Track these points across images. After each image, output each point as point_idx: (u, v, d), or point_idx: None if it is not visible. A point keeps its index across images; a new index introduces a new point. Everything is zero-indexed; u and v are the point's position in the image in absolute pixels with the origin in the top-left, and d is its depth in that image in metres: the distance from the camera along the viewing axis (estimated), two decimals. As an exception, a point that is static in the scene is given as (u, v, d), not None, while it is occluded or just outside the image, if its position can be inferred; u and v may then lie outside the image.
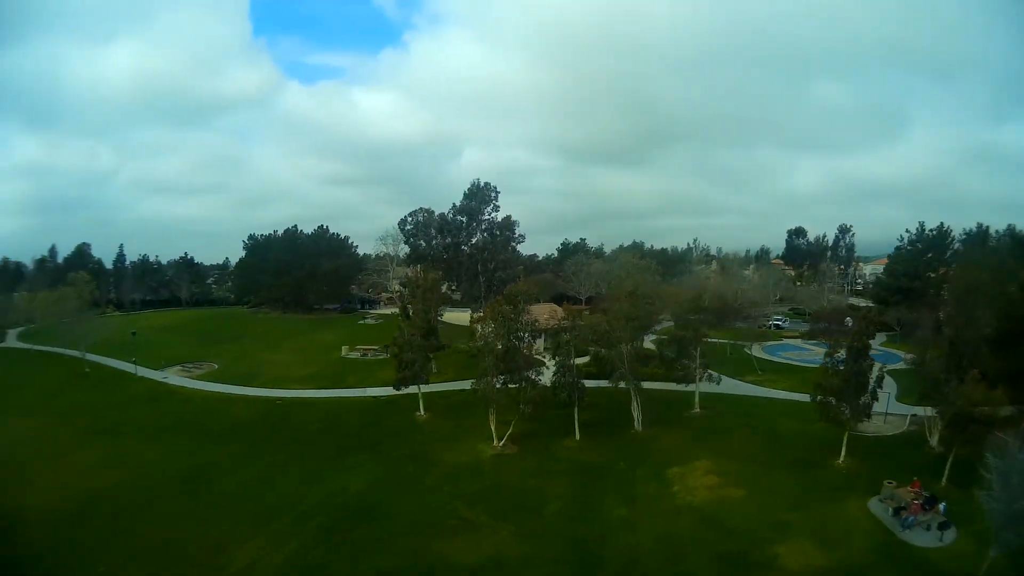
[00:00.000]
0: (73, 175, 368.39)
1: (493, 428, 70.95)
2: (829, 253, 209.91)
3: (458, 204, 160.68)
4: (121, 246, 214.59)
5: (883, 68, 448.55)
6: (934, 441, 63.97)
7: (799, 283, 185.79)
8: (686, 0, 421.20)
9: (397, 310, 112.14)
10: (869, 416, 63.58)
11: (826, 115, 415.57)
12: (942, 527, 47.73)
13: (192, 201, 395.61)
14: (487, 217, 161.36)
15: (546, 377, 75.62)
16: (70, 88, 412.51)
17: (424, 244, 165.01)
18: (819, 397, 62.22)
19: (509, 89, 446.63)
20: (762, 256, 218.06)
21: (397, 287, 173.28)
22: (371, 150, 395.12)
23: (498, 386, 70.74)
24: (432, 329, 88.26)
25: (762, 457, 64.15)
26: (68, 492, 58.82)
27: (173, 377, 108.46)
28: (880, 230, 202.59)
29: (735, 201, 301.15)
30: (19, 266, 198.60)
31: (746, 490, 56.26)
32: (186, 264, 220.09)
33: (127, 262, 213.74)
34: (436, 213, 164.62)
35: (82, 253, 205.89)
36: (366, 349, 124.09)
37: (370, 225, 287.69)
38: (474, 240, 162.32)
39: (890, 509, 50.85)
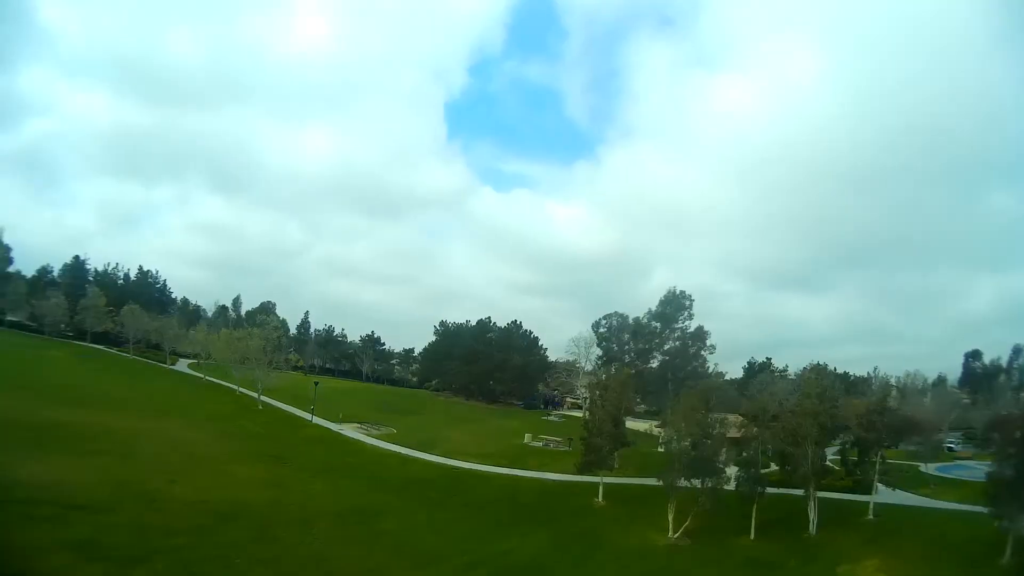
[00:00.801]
0: (259, 242, 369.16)
1: (671, 518, 68.03)
2: (1003, 376, 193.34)
3: (653, 310, 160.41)
4: (307, 313, 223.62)
5: None
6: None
7: (974, 406, 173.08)
8: (863, 117, 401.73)
9: (581, 413, 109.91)
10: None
11: (1002, 228, 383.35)
12: None
13: (379, 288, 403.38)
14: (680, 325, 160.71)
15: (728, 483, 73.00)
16: (262, 160, 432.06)
17: (616, 348, 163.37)
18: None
19: (696, 205, 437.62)
20: (939, 383, 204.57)
21: (586, 387, 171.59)
22: (558, 261, 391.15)
23: (682, 481, 68.74)
24: (620, 422, 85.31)
25: (932, 556, 60.38)
26: (224, 495, 59.38)
27: (349, 430, 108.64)
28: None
29: (910, 329, 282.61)
30: (198, 308, 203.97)
31: None
32: (371, 340, 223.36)
33: (311, 329, 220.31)
34: (630, 318, 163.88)
35: (267, 310, 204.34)
36: (549, 440, 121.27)
37: (552, 335, 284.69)
38: (666, 347, 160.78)
39: None
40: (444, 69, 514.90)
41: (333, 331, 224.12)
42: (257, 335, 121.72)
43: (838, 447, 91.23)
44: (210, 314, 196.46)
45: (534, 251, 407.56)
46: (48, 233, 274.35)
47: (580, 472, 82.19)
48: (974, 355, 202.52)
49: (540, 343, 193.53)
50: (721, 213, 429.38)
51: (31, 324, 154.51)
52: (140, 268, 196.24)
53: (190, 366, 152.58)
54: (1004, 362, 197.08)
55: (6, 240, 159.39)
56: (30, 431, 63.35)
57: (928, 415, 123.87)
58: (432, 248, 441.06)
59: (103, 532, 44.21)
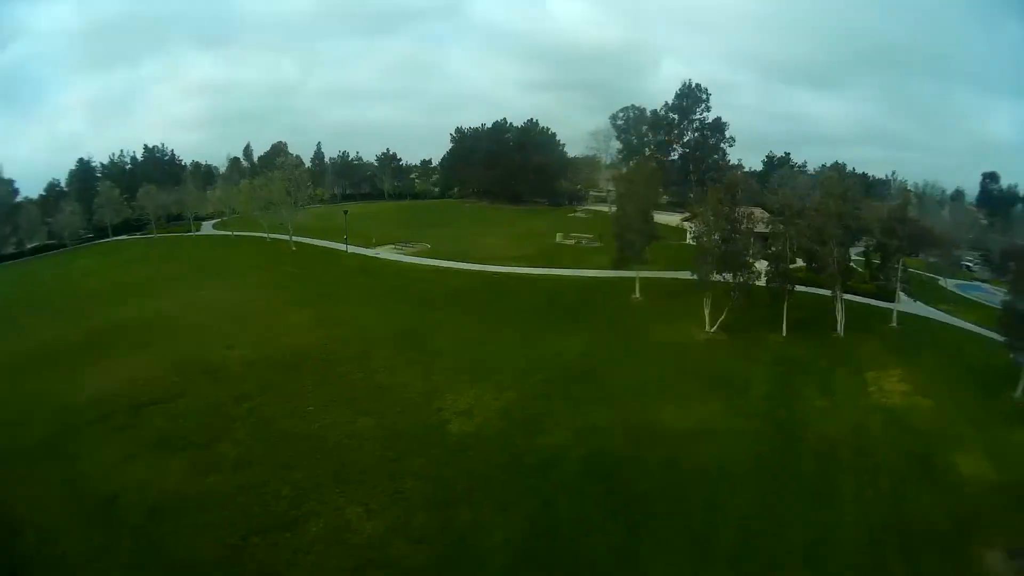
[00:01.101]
0: (257, 88, 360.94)
1: (706, 314, 71.12)
2: (1020, 204, 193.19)
3: (670, 103, 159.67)
4: (319, 144, 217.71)
5: None
6: None
7: (991, 228, 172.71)
8: None
9: (606, 207, 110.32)
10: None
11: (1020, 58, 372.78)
12: None
13: (385, 105, 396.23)
14: (698, 117, 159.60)
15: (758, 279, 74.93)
16: (247, 6, 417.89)
17: (635, 140, 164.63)
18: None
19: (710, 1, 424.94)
20: (957, 197, 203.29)
21: (609, 180, 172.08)
22: (567, 56, 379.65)
23: (715, 275, 70.92)
24: (649, 216, 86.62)
25: (950, 376, 62.40)
26: (282, 346, 63.09)
27: (385, 253, 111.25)
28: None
29: (926, 138, 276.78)
30: (210, 167, 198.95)
31: (934, 401, 55.81)
32: (388, 158, 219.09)
33: (326, 158, 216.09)
34: (647, 111, 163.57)
35: (278, 151, 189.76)
36: (580, 237, 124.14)
37: (568, 131, 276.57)
38: (685, 139, 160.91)
39: None
40: None
41: (348, 156, 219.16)
42: (279, 178, 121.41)
43: (861, 249, 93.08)
44: (223, 171, 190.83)
45: (540, 48, 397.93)
46: (48, 150, 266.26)
47: (615, 267, 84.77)
48: (991, 177, 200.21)
49: (558, 139, 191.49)
50: (740, 9, 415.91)
51: (53, 243, 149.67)
52: (145, 146, 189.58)
53: (215, 226, 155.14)
54: (1022, 190, 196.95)
55: (6, 175, 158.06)
56: (84, 347, 65.62)
57: (947, 228, 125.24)
58: (434, 58, 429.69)
59: (177, 422, 48.01)
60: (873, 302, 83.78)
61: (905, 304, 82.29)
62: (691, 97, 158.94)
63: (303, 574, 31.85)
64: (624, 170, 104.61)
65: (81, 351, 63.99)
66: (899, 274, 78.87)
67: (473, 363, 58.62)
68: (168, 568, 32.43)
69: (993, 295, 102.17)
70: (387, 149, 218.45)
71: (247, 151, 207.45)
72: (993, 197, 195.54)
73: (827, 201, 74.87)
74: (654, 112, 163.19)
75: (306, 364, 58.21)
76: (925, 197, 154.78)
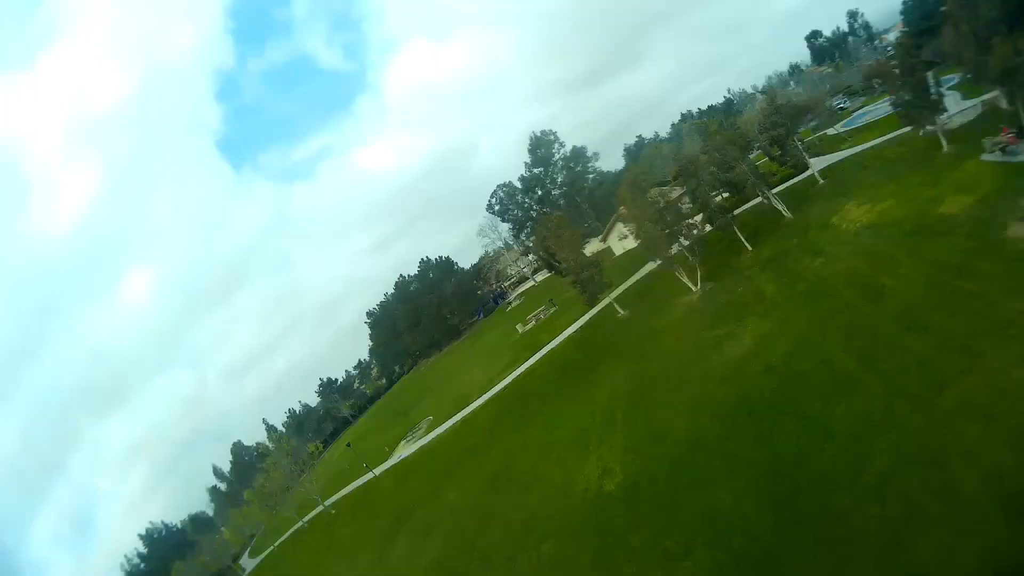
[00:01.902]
0: None
1: (686, 278, 77.62)
2: (850, 37, 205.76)
3: (528, 162, 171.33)
4: None
5: None
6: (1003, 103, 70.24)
7: (840, 71, 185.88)
8: None
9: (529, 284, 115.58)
10: (940, 110, 72.03)
11: None
12: None
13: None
14: (558, 157, 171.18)
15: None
16: None
17: (517, 211, 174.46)
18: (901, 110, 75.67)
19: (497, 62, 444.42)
20: (795, 71, 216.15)
21: (515, 262, 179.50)
22: (395, 200, 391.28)
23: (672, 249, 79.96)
24: (580, 251, 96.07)
25: (892, 182, 69.76)
26: None
27: (405, 451, 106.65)
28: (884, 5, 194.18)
29: (739, 45, 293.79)
30: None
31: (893, 201, 63.61)
32: (328, 385, 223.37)
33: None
34: (512, 182, 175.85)
35: None
36: (534, 316, 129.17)
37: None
38: (560, 180, 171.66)
39: (997, 151, 58.89)
40: (196, 112, 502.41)
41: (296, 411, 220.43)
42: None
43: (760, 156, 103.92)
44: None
45: (371, 204, 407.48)
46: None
47: (591, 305, 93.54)
48: (814, 35, 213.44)
49: (454, 266, 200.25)
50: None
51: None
52: None
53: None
54: (845, 27, 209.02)
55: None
56: None
57: (808, 96, 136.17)
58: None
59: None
60: (794, 182, 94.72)
61: (817, 165, 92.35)
62: (543, 144, 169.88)
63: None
64: (541, 234, 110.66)
65: None
66: (799, 148, 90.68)
67: (570, 450, 60.00)
68: None
69: (874, 111, 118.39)
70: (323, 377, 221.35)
71: None
72: (824, 50, 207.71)
73: (712, 139, 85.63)
74: (522, 177, 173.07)
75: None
76: (774, 88, 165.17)
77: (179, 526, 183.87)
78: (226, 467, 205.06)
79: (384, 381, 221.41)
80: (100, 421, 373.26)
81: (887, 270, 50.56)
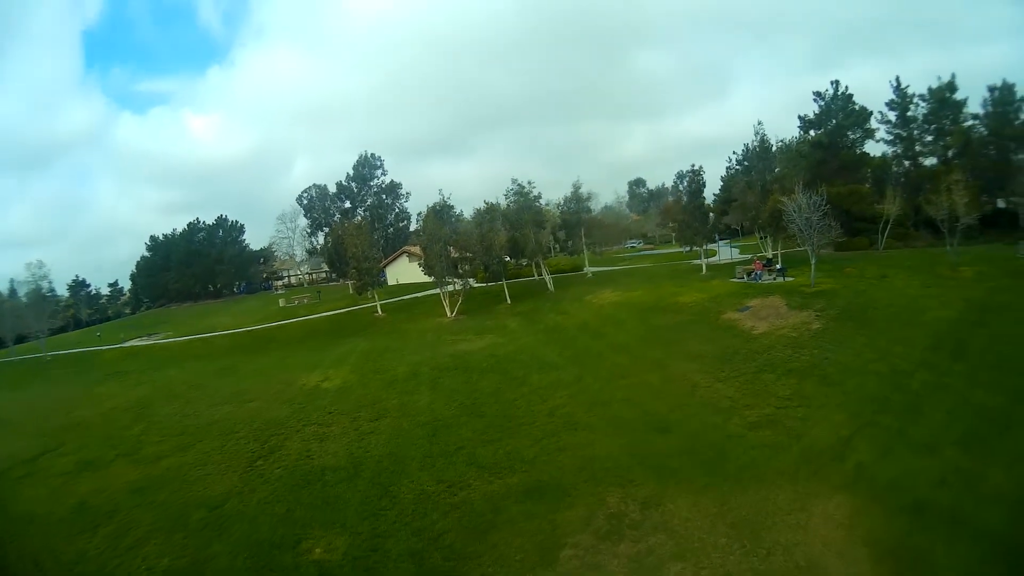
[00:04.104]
0: None
1: (446, 305, 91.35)
2: (669, 195, 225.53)
3: (350, 174, 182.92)
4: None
5: (700, 32, 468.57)
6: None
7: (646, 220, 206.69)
8: None
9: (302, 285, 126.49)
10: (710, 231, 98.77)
11: (649, 83, 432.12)
12: (780, 273, 73.71)
13: (40, 249, 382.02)
14: (376, 182, 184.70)
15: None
16: None
17: (321, 213, 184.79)
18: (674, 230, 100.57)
19: (332, 96, 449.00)
20: (609, 208, 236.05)
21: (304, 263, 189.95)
22: (203, 173, 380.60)
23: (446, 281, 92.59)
24: (372, 254, 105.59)
25: (648, 284, 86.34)
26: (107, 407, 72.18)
27: (138, 343, 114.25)
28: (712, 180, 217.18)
29: (569, 177, 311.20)
30: None
31: (643, 292, 79.48)
32: (78, 285, 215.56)
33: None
34: (328, 187, 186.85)
35: None
36: (298, 298, 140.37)
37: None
38: (368, 203, 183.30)
39: (744, 276, 76.41)
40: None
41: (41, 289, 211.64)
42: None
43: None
44: None
45: (178, 168, 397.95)
46: None
47: (359, 292, 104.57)
48: (637, 183, 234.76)
49: (244, 233, 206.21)
50: (363, 98, 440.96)
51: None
52: None
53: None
54: (669, 185, 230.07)
55: None
56: None
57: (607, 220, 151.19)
58: (82, 192, 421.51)
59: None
60: (568, 274, 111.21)
61: (593, 270, 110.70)
62: (368, 165, 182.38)
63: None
64: (339, 230, 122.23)
65: None
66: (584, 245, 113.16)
67: (280, 379, 65.36)
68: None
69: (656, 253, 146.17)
70: (77, 276, 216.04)
71: None
72: (642, 198, 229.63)
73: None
74: (339, 183, 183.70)
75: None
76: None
77: None
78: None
79: (129, 309, 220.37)
80: None
81: (614, 325, 66.06)
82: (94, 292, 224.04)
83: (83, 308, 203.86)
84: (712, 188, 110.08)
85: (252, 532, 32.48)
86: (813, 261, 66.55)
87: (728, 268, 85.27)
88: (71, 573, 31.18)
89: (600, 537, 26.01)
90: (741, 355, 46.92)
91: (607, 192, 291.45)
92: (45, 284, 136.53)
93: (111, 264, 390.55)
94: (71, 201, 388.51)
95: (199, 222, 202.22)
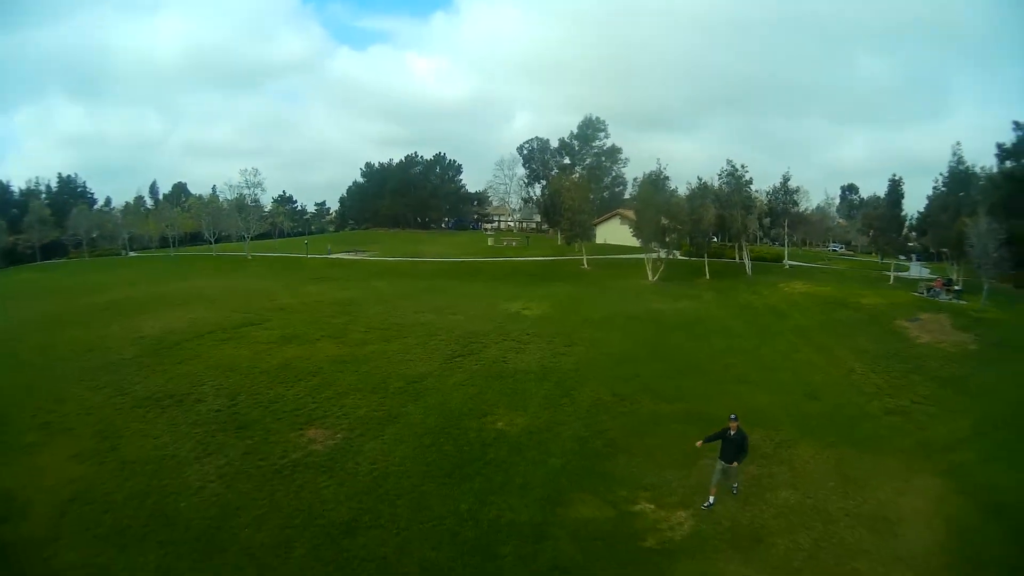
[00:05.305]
0: (124, 142, 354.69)
1: (649, 268, 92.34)
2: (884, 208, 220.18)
3: (574, 132, 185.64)
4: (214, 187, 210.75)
5: (924, 46, 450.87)
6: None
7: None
8: None
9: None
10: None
11: (871, 89, 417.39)
12: (956, 294, 72.92)
13: (244, 162, 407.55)
14: (597, 144, 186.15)
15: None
16: (118, 58, 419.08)
17: (540, 167, 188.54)
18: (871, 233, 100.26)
19: (558, 55, 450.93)
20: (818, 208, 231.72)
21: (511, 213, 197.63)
22: (422, 113, 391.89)
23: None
24: (587, 207, 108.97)
25: (838, 282, 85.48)
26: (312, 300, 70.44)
27: (344, 256, 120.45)
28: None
29: (783, 168, 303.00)
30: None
31: (831, 288, 78.32)
32: (285, 199, 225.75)
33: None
34: (550, 141, 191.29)
35: (180, 189, 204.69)
36: (509, 240, 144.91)
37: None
38: (587, 162, 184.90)
39: (924, 292, 74.80)
40: None
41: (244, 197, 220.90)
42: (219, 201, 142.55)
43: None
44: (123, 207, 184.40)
45: (396, 105, 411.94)
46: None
47: (568, 242, 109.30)
48: (850, 188, 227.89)
49: (461, 172, 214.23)
50: (586, 62, 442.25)
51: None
52: (59, 175, 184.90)
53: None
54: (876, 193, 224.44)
55: None
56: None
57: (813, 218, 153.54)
58: (292, 116, 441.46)
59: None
60: (766, 262, 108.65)
61: (792, 262, 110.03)
62: (592, 127, 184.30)
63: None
64: (559, 181, 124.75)
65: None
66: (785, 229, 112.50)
67: (486, 303, 68.81)
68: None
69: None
70: (283, 191, 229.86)
71: (153, 188, 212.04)
72: (854, 204, 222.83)
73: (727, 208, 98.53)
74: (561, 139, 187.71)
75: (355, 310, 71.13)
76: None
77: None
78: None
79: (334, 228, 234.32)
80: None
81: (799, 311, 66.79)
82: (300, 207, 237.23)
83: (286, 220, 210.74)
84: (921, 206, 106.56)
85: (445, 402, 36.64)
86: (985, 288, 66.62)
87: (914, 283, 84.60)
88: (267, 410, 35.08)
89: (735, 457, 28.73)
90: (899, 356, 48.53)
91: (818, 192, 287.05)
92: (257, 192, 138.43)
93: (316, 185, 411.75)
94: (280, 122, 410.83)
95: (418, 156, 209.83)
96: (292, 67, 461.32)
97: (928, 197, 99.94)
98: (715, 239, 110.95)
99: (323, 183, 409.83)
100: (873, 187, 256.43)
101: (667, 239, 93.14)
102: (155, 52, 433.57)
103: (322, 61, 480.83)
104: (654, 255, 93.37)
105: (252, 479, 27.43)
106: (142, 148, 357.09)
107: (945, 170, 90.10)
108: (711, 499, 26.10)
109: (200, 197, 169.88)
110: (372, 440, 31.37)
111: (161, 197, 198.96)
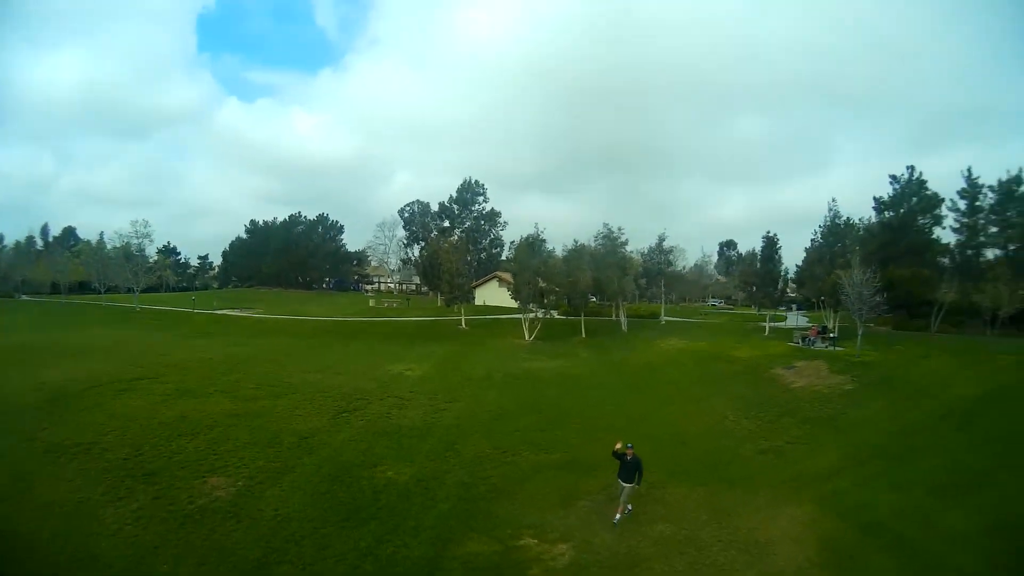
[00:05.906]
0: (14, 180, 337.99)
1: (525, 330, 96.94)
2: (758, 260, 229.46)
3: (453, 196, 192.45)
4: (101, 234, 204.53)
5: (803, 103, 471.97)
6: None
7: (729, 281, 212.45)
8: (609, 42, 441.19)
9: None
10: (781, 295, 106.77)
11: (751, 148, 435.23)
12: (831, 341, 78.24)
13: (132, 211, 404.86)
14: (476, 208, 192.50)
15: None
16: (16, 92, 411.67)
17: (420, 229, 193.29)
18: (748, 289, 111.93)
19: (440, 117, 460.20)
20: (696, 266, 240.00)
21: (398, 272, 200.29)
22: (304, 169, 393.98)
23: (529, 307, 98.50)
24: (463, 270, 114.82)
25: (714, 337, 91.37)
26: (203, 355, 73.01)
27: (230, 312, 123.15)
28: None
29: (661, 228, 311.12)
30: None
31: (707, 343, 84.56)
32: (169, 251, 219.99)
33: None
34: (430, 205, 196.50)
35: (69, 233, 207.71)
36: (390, 302, 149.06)
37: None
38: (466, 225, 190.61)
39: (800, 341, 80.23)
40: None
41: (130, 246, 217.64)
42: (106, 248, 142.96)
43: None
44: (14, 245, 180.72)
45: (279, 160, 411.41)
46: None
47: (448, 304, 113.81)
48: (728, 244, 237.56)
49: (343, 232, 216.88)
50: (464, 125, 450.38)
51: None
52: None
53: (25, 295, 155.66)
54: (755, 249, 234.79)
55: None
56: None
57: (690, 276, 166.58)
58: (179, 166, 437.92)
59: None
60: (646, 319, 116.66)
61: (669, 316, 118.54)
62: (471, 190, 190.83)
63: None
64: (436, 244, 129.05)
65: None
66: (663, 295, 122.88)
67: (365, 363, 71.88)
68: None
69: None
70: (168, 242, 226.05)
71: (44, 230, 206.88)
72: (732, 261, 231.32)
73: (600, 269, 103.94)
74: (441, 203, 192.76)
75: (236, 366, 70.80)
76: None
77: None
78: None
79: (217, 284, 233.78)
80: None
81: (673, 366, 72.42)
82: (183, 260, 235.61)
83: (171, 274, 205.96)
84: (798, 259, 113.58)
85: (336, 456, 39.77)
86: (860, 333, 70.84)
87: (790, 333, 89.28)
88: (171, 460, 37.99)
89: (611, 498, 32.07)
90: (773, 402, 52.82)
91: (695, 249, 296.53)
92: (146, 243, 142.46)
93: (199, 239, 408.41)
94: (167, 172, 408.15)
95: (301, 215, 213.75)
96: (182, 116, 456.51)
97: (806, 249, 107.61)
98: (593, 299, 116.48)
99: (207, 236, 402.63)
100: (753, 242, 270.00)
101: (545, 300, 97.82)
102: (52, 88, 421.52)
103: (211, 112, 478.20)
104: (531, 315, 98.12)
105: (165, 522, 30.29)
106: (33, 187, 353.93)
107: (822, 223, 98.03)
108: (618, 516, 30.16)
109: (89, 243, 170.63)
110: (272, 487, 34.50)
111: (51, 239, 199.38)
